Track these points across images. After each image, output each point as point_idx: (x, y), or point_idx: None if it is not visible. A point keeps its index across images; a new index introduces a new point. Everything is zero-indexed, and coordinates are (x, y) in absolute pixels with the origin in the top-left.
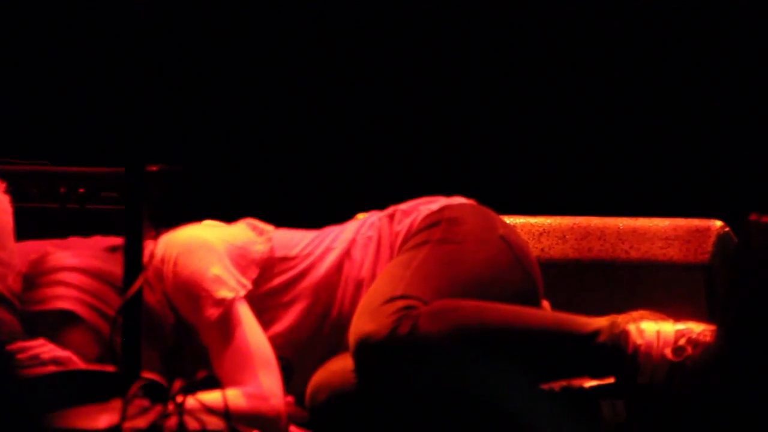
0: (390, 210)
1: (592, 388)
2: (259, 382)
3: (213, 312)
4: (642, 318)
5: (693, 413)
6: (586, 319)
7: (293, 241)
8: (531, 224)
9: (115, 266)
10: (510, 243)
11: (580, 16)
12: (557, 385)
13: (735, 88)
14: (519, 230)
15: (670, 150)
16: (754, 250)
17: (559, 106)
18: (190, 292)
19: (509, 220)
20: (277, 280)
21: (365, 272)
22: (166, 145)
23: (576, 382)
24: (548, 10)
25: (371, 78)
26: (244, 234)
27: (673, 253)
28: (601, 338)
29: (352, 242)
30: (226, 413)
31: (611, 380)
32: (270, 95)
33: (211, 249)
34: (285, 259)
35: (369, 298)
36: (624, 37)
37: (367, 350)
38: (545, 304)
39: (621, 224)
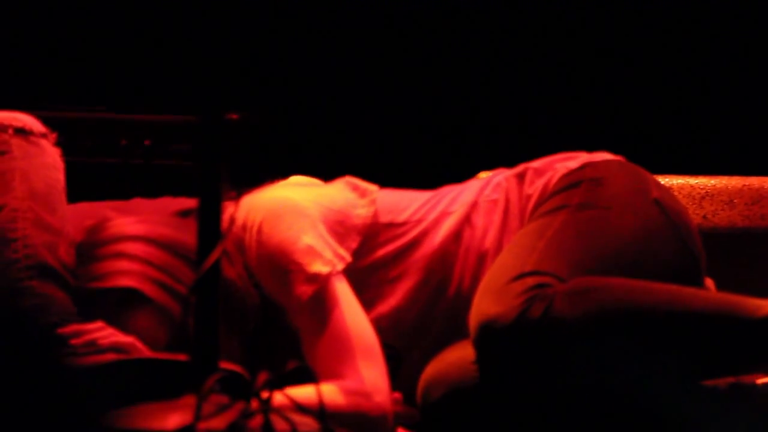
0: (520, 168)
1: (766, 385)
2: (360, 375)
3: (305, 290)
4: None
5: None
6: (758, 301)
7: (402, 204)
8: (691, 186)
9: (187, 234)
10: (665, 208)
11: None
12: (723, 382)
13: None
14: (677, 193)
15: None
16: None
17: (723, 48)
18: (278, 265)
19: (664, 180)
20: (383, 251)
21: (489, 242)
22: (248, 89)
23: (746, 379)
24: None
25: (500, 23)
26: (342, 195)
27: None
28: None
29: (474, 206)
30: (320, 412)
31: None
32: (372, 28)
33: (302, 213)
34: (392, 225)
35: (493, 273)
36: None
37: (491, 337)
38: (708, 282)
39: None
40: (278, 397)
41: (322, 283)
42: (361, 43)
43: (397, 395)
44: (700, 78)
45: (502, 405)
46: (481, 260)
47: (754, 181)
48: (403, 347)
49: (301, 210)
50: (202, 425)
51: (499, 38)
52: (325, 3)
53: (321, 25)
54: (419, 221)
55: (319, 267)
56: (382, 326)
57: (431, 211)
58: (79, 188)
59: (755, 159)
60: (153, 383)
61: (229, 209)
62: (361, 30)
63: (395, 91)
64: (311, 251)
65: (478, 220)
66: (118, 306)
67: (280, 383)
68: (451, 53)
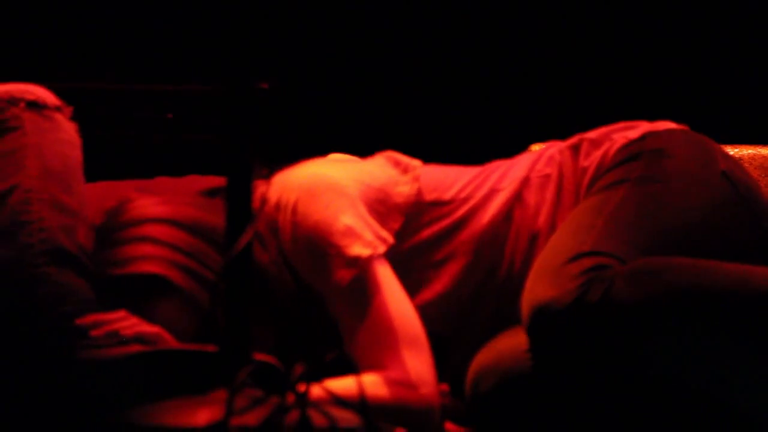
0: (575, 139)
1: None
2: (404, 365)
3: (343, 274)
4: None
5: None
6: None
7: (447, 180)
8: (763, 156)
9: (215, 216)
10: (735, 181)
11: None
12: None
13: None
14: (747, 164)
15: None
16: None
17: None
18: (315, 248)
19: (733, 151)
20: (427, 232)
21: (542, 221)
22: (281, 56)
23: None
24: None
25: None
26: (383, 172)
27: None
28: None
29: (525, 182)
30: (362, 405)
31: None
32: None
33: (340, 192)
34: (437, 203)
35: (547, 254)
36: None
37: (545, 323)
38: None
39: None
40: (316, 390)
41: (362, 267)
42: (402, 13)
43: (445, 387)
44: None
45: (557, 396)
46: (534, 240)
47: None
48: (451, 335)
49: (339, 188)
50: (235, 421)
51: (550, 3)
52: None
53: None
54: (466, 199)
55: (359, 249)
56: (427, 313)
57: (479, 188)
58: (98, 166)
59: None
60: (181, 376)
61: (260, 188)
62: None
63: (438, 61)
64: (351, 232)
65: (530, 197)
66: (142, 294)
67: (317, 375)
68: (499, 21)
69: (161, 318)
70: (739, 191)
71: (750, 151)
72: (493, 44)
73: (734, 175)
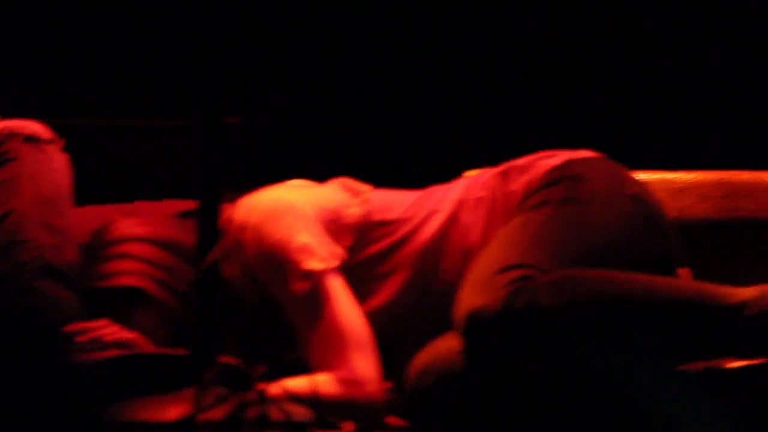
0: (503, 166)
1: (739, 369)
2: (353, 365)
3: (301, 286)
4: None
5: None
6: (730, 289)
7: (393, 203)
8: (667, 181)
9: (187, 235)
10: (642, 203)
11: None
12: (698, 367)
13: None
14: (654, 188)
15: None
16: None
17: (697, 47)
18: (275, 263)
19: (642, 176)
20: (375, 248)
21: (475, 238)
22: (246, 94)
23: (720, 364)
24: None
25: (483, 17)
26: (336, 196)
27: None
28: (749, 311)
29: (460, 204)
30: (315, 401)
31: (761, 360)
32: (361, 34)
33: (298, 213)
34: (383, 223)
35: (479, 267)
36: None
37: (477, 328)
38: (684, 272)
39: None
40: (274, 389)
41: (317, 279)
42: (349, 49)
43: (388, 384)
44: (675, 77)
45: (489, 393)
46: (468, 255)
47: (727, 176)
48: (395, 338)
49: (297, 210)
50: (202, 416)
51: (478, 40)
52: (316, 9)
53: (312, 30)
54: (409, 219)
55: (314, 264)
56: (374, 319)
57: (420, 210)
58: (86, 192)
59: (727, 154)
60: (155, 377)
61: (227, 210)
62: (349, 35)
63: (386, 97)
64: (307, 249)
65: (465, 217)
66: (123, 304)
67: (276, 375)
68: (434, 57)
69: (139, 325)
70: (647, 212)
71: (656, 176)
72: (428, 86)
73: (642, 197)
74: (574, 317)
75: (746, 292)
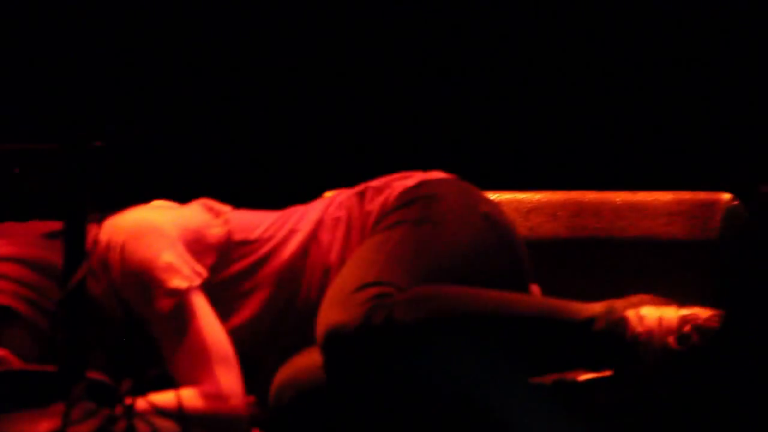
0: (360, 187)
1: (587, 381)
2: (216, 380)
3: (165, 303)
4: (642, 303)
5: (699, 407)
6: (579, 305)
7: (253, 222)
8: (518, 200)
9: (54, 254)
10: (494, 222)
11: None
12: (548, 379)
13: (739, 51)
14: (505, 207)
15: (672, 117)
16: (763, 224)
17: (547, 71)
18: (139, 282)
19: (494, 196)
20: (236, 267)
21: (334, 256)
22: (109, 118)
23: (569, 376)
24: None
25: (339, 41)
26: (198, 216)
27: (677, 229)
28: (597, 326)
29: (319, 223)
30: (180, 415)
31: (608, 373)
32: (221, 58)
33: (161, 233)
34: (244, 242)
35: (338, 285)
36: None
37: (337, 343)
38: (535, 288)
39: (618, 199)
40: (141, 403)
41: (180, 297)
42: (205, 74)
43: (251, 398)
44: (525, 102)
45: (349, 407)
46: (327, 273)
47: (575, 195)
48: (258, 354)
49: (160, 230)
50: (70, 431)
51: (330, 62)
52: (174, 40)
53: (174, 58)
54: (269, 238)
55: (177, 282)
56: (237, 335)
57: (280, 229)
58: None
59: (576, 174)
60: (25, 393)
61: (93, 231)
62: (206, 64)
63: (245, 119)
64: (170, 268)
65: (324, 236)
66: None
67: (142, 390)
68: (288, 79)
69: (8, 343)
70: (498, 231)
71: (508, 196)
72: (286, 107)
73: (494, 216)
74: (429, 332)
75: (594, 308)
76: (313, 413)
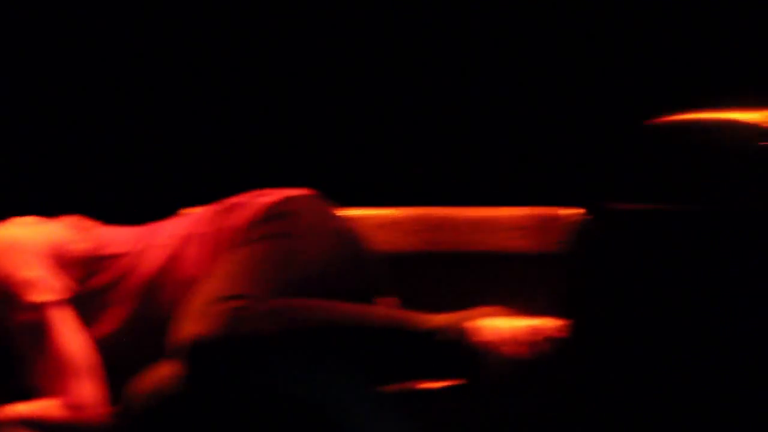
0: (224, 203)
1: (435, 390)
2: (77, 391)
3: (26, 317)
4: (493, 314)
5: (545, 414)
6: (425, 316)
7: (117, 238)
8: (374, 216)
9: None
10: (350, 237)
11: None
12: (396, 388)
13: (582, 73)
14: (362, 223)
15: (521, 136)
16: (609, 238)
17: (401, 93)
18: (3, 296)
19: (351, 212)
20: (102, 280)
21: (197, 270)
22: None
23: (417, 385)
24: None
25: (192, 59)
26: (63, 231)
27: (526, 243)
28: (442, 336)
29: (184, 238)
30: (42, 425)
31: (456, 382)
32: (81, 80)
33: (24, 249)
34: (110, 257)
35: (199, 297)
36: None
37: (197, 354)
38: (390, 300)
39: (470, 215)
40: (4, 412)
41: (42, 310)
42: (61, 96)
43: (113, 409)
44: (380, 121)
45: (206, 415)
46: (188, 286)
47: (430, 211)
48: (120, 364)
49: (22, 245)
50: None
51: (186, 81)
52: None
53: (42, 76)
54: (134, 253)
55: (36, 297)
56: (103, 347)
57: (145, 244)
58: None
59: (428, 191)
60: None
61: None
62: (65, 89)
63: (110, 140)
64: (29, 283)
65: (188, 250)
66: None
67: (6, 400)
68: (148, 101)
69: None
70: (353, 246)
71: (364, 212)
72: (152, 129)
73: (349, 232)
74: (286, 343)
75: (439, 319)
76: (170, 422)
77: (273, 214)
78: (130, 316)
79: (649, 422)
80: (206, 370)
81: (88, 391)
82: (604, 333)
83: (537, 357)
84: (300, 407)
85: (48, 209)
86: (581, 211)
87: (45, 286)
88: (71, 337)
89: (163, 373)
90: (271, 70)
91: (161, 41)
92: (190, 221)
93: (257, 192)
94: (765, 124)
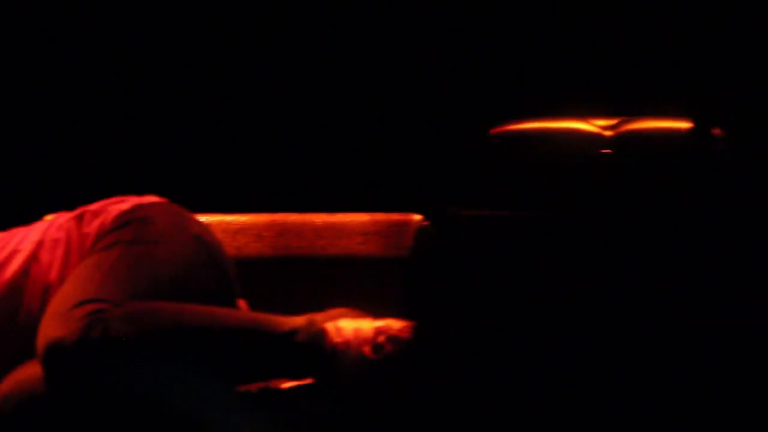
0: (78, 211)
1: (291, 389)
2: None
3: None
4: (340, 316)
5: (393, 410)
6: (283, 318)
7: None
8: (227, 222)
9: None
10: (204, 242)
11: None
12: (255, 387)
13: (408, 85)
14: (214, 229)
15: (367, 144)
16: (452, 243)
17: (253, 100)
18: None
19: (204, 218)
20: None
21: (54, 275)
22: None
23: (274, 384)
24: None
25: (51, 67)
26: None
27: (372, 248)
28: (298, 338)
29: (40, 244)
30: None
31: (310, 380)
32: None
33: None
34: None
35: (57, 302)
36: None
37: (56, 357)
38: (242, 303)
39: (318, 220)
40: None
41: None
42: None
43: None
44: (223, 132)
45: (71, 416)
46: (47, 291)
47: (279, 217)
48: None
49: None
50: None
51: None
52: None
53: None
54: None
55: None
56: None
57: (2, 250)
58: None
59: (279, 198)
60: None
61: None
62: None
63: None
64: None
65: (44, 256)
66: None
67: None
68: (51, 106)
69: None
70: (208, 250)
71: (217, 218)
72: (13, 135)
73: (204, 237)
74: (144, 346)
75: (296, 321)
76: (35, 424)
77: (124, 221)
78: None
79: (488, 417)
80: (63, 373)
81: None
82: (446, 333)
83: (382, 357)
84: (157, 409)
85: None
86: (422, 216)
87: None
88: None
89: (28, 374)
90: (108, 74)
91: None
92: (45, 227)
93: (111, 199)
94: (604, 133)
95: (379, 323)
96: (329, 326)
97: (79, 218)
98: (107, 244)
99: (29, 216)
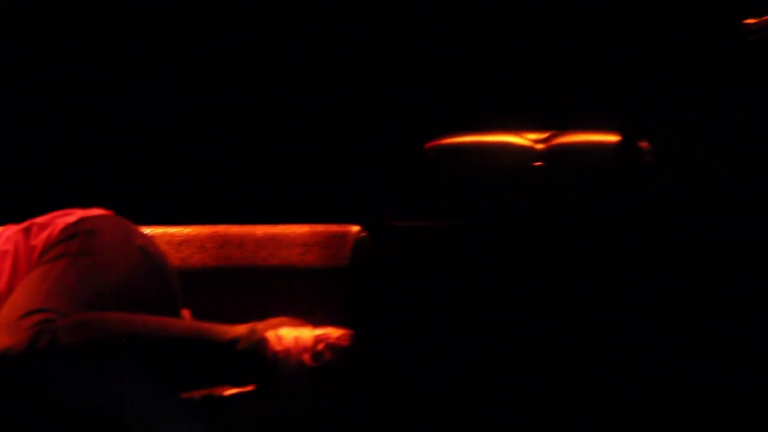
0: (25, 223)
1: (233, 396)
2: None
3: None
4: (281, 325)
5: (332, 417)
6: (225, 327)
7: None
8: (170, 234)
9: None
10: (148, 253)
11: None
12: (198, 394)
13: (346, 97)
14: (158, 240)
15: (306, 158)
16: (389, 253)
17: (186, 119)
18: None
19: (148, 230)
20: None
21: (2, 287)
22: None
23: (217, 391)
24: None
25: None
26: None
27: (312, 258)
28: (240, 346)
29: None
30: None
31: (251, 387)
32: None
33: None
34: None
35: (5, 312)
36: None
37: (4, 366)
38: (186, 313)
39: (259, 232)
40: None
41: None
42: None
43: None
44: (177, 148)
45: (17, 425)
46: None
47: (221, 228)
48: None
49: None
50: None
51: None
52: None
53: None
54: None
55: None
56: None
57: None
58: None
59: (221, 209)
60: None
61: None
62: None
63: None
64: None
65: None
66: None
67: None
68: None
69: None
70: (152, 261)
71: (161, 230)
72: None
73: (148, 248)
74: (90, 355)
75: (238, 330)
76: None
77: (71, 234)
78: None
79: (431, 421)
80: (11, 381)
81: None
82: (383, 341)
83: (321, 364)
84: (102, 417)
85: None
86: (359, 228)
87: None
88: None
89: None
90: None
91: None
92: None
93: (58, 212)
94: (537, 147)
95: (319, 332)
96: (270, 335)
97: (27, 231)
98: (54, 255)
99: None
